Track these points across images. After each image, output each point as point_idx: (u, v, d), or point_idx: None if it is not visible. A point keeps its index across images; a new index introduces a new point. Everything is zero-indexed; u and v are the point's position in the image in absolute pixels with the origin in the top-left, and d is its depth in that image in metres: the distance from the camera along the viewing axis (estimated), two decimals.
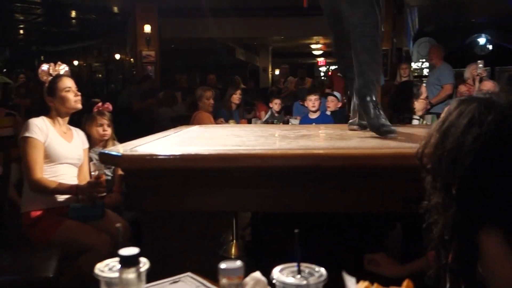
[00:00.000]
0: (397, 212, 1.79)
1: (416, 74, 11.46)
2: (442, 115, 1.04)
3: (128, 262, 0.70)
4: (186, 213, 3.23)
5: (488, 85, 4.31)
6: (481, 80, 4.35)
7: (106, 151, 1.45)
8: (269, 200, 1.46)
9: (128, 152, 1.39)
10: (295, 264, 0.81)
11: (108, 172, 2.90)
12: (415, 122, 3.30)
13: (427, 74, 12.97)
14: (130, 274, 0.70)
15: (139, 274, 0.71)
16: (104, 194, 2.46)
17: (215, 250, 3.50)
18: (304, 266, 0.81)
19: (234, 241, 3.55)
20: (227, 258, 3.41)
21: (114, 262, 0.86)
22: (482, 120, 0.94)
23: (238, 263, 0.67)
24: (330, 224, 1.83)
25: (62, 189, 2.36)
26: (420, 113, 3.47)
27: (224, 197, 1.48)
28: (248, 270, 0.80)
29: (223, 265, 0.66)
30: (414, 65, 11.71)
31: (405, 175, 1.38)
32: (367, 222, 1.87)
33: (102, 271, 0.83)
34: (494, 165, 0.93)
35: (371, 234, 1.86)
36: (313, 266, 0.81)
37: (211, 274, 1.32)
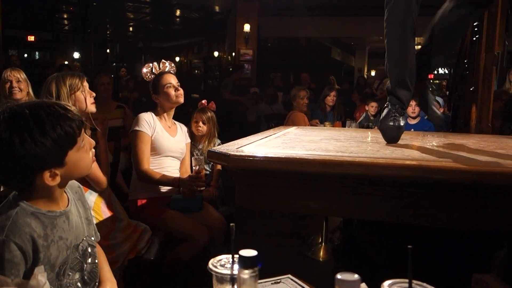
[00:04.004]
0: (506, 232, 1.67)
1: None
2: None
3: (247, 264, 0.73)
4: (278, 212, 3.26)
5: None
6: None
7: (215, 150, 1.52)
8: (369, 208, 1.44)
9: (235, 152, 1.45)
10: (405, 280, 0.79)
11: (207, 167, 3.03)
12: None
13: None
14: (248, 275, 0.73)
15: (255, 275, 0.74)
16: (203, 188, 2.58)
17: (303, 251, 3.52)
18: (416, 283, 0.79)
19: (323, 244, 3.54)
20: (315, 260, 3.41)
21: (226, 259, 0.89)
22: None
23: (356, 276, 0.67)
24: (431, 238, 1.75)
25: (166, 180, 2.52)
26: None
27: (324, 202, 1.48)
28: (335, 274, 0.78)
29: (339, 276, 0.67)
30: None
31: None
32: (473, 239, 1.77)
33: (215, 266, 0.87)
34: None
35: (477, 253, 1.75)
36: (425, 285, 0.78)
37: (299, 274, 1.33)
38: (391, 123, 1.86)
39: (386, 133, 1.90)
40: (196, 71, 17.71)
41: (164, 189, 2.58)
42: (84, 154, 1.23)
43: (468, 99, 2.88)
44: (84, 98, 2.12)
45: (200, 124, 3.09)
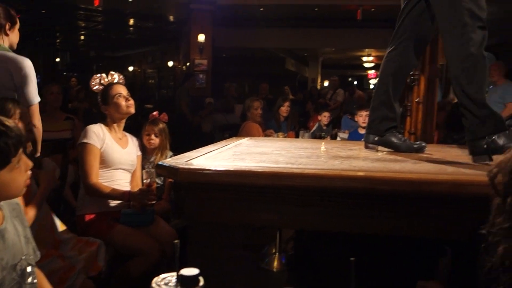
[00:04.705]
0: (448, 240, 1.73)
1: None
2: None
3: (188, 283, 0.71)
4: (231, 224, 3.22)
5: None
6: None
7: (164, 163, 1.49)
8: (318, 219, 1.45)
9: (184, 166, 1.42)
10: None
11: (158, 180, 2.97)
12: None
13: None
14: None
15: None
16: (155, 202, 2.53)
17: (257, 262, 3.50)
18: None
19: (277, 254, 3.54)
20: (269, 270, 3.41)
21: (170, 277, 0.87)
22: None
23: None
24: (378, 247, 1.79)
25: (115, 194, 2.44)
26: None
27: (274, 213, 1.48)
28: (289, 284, 0.79)
29: None
30: None
31: (462, 202, 1.34)
32: (416, 246, 1.82)
33: (159, 285, 0.84)
34: None
35: (421, 259, 1.80)
36: None
37: (252, 286, 1.32)
38: None
39: None
40: (150, 81, 17.47)
41: (114, 203, 2.50)
42: (18, 176, 1.16)
43: (414, 110, 2.98)
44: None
45: (152, 137, 3.00)
